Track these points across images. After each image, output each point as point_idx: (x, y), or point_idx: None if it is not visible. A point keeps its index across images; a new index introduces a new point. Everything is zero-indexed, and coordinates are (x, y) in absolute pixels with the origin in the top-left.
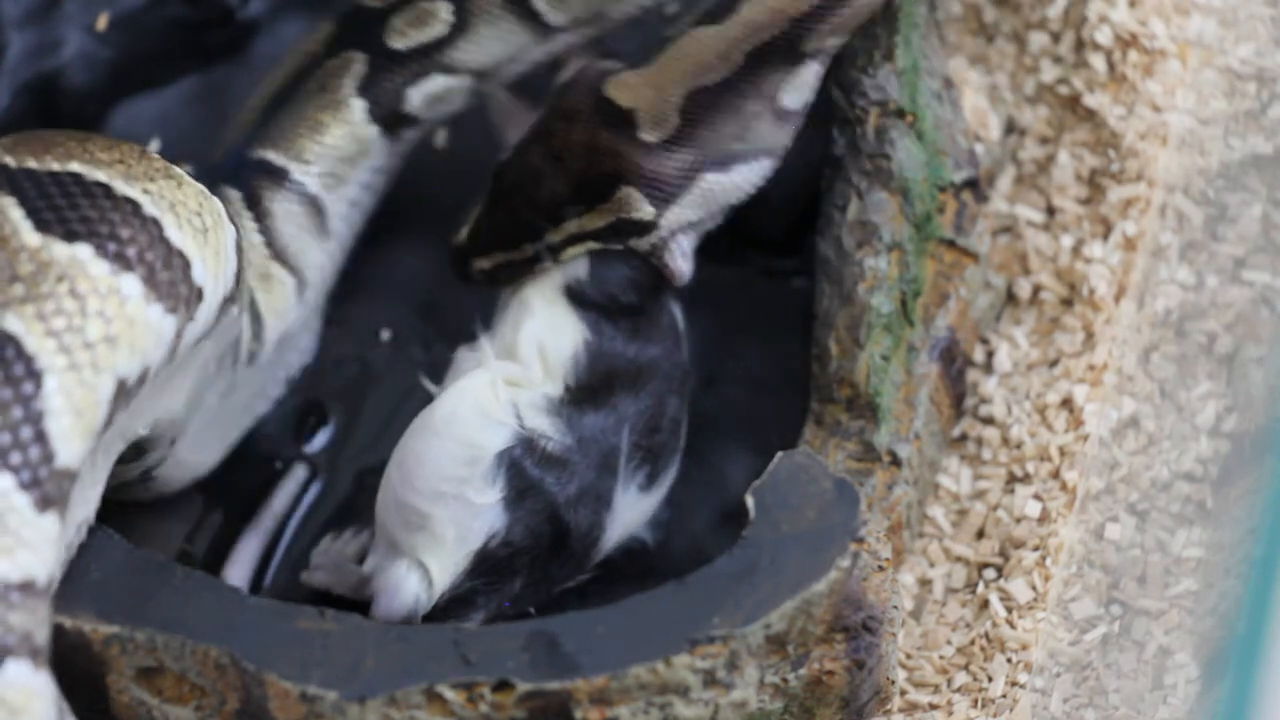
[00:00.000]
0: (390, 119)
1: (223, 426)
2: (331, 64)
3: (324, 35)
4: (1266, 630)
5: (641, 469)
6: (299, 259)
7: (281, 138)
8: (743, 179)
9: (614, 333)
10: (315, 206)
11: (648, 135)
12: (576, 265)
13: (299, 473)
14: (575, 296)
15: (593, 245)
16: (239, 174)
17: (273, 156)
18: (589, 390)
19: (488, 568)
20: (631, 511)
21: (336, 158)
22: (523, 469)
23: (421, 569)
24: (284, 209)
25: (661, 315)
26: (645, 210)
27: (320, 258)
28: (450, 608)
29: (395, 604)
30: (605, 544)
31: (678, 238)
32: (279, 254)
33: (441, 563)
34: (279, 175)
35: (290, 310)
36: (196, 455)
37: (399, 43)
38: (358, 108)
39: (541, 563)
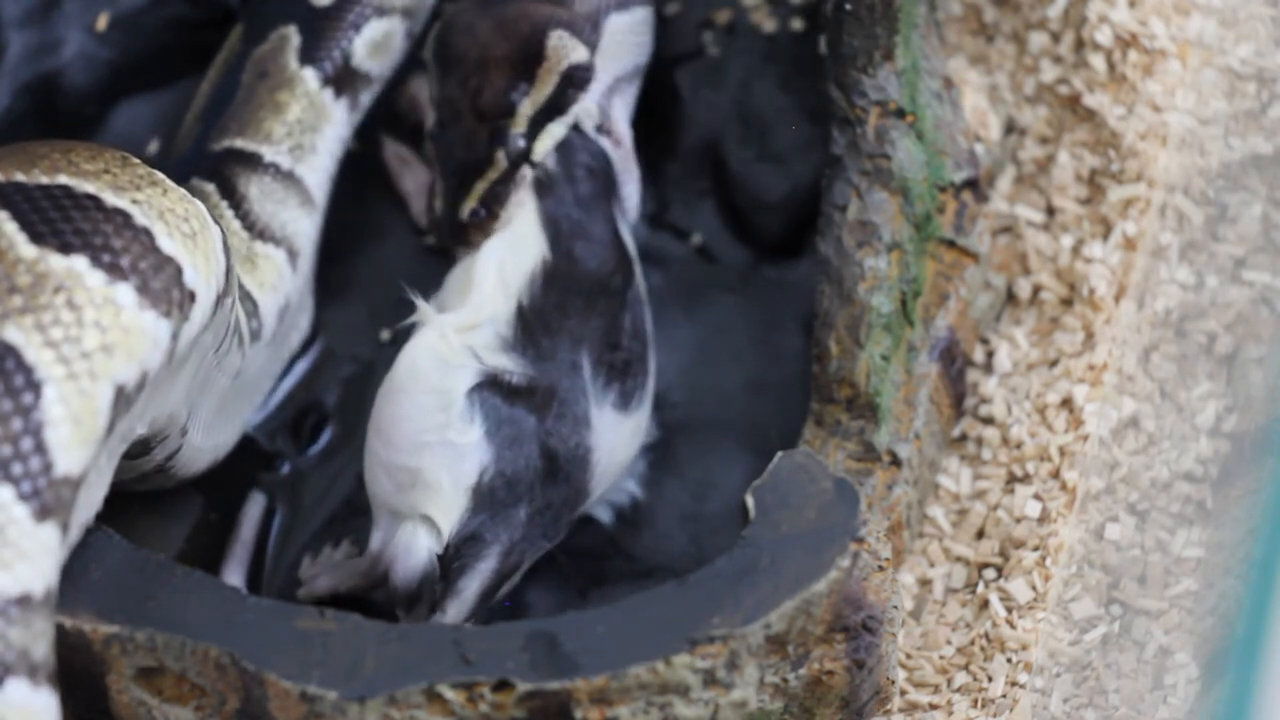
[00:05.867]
0: (342, 78)
1: (236, 406)
2: (261, 50)
3: (236, 35)
4: (1266, 630)
5: (611, 386)
6: (286, 230)
7: (243, 126)
8: (639, 19)
9: (570, 234)
10: (292, 179)
11: None
12: (546, 161)
13: (259, 499)
14: (543, 184)
15: (556, 127)
16: (208, 168)
17: (240, 144)
18: (541, 315)
19: (488, 502)
20: (614, 432)
21: (302, 130)
22: (494, 403)
23: (427, 523)
24: (262, 189)
25: (609, 230)
26: (580, 51)
27: (308, 226)
28: (463, 548)
29: (411, 563)
30: (599, 467)
31: (613, 100)
32: (261, 233)
33: (443, 509)
34: (251, 160)
35: (285, 281)
36: (213, 439)
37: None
38: (309, 77)
39: (539, 489)
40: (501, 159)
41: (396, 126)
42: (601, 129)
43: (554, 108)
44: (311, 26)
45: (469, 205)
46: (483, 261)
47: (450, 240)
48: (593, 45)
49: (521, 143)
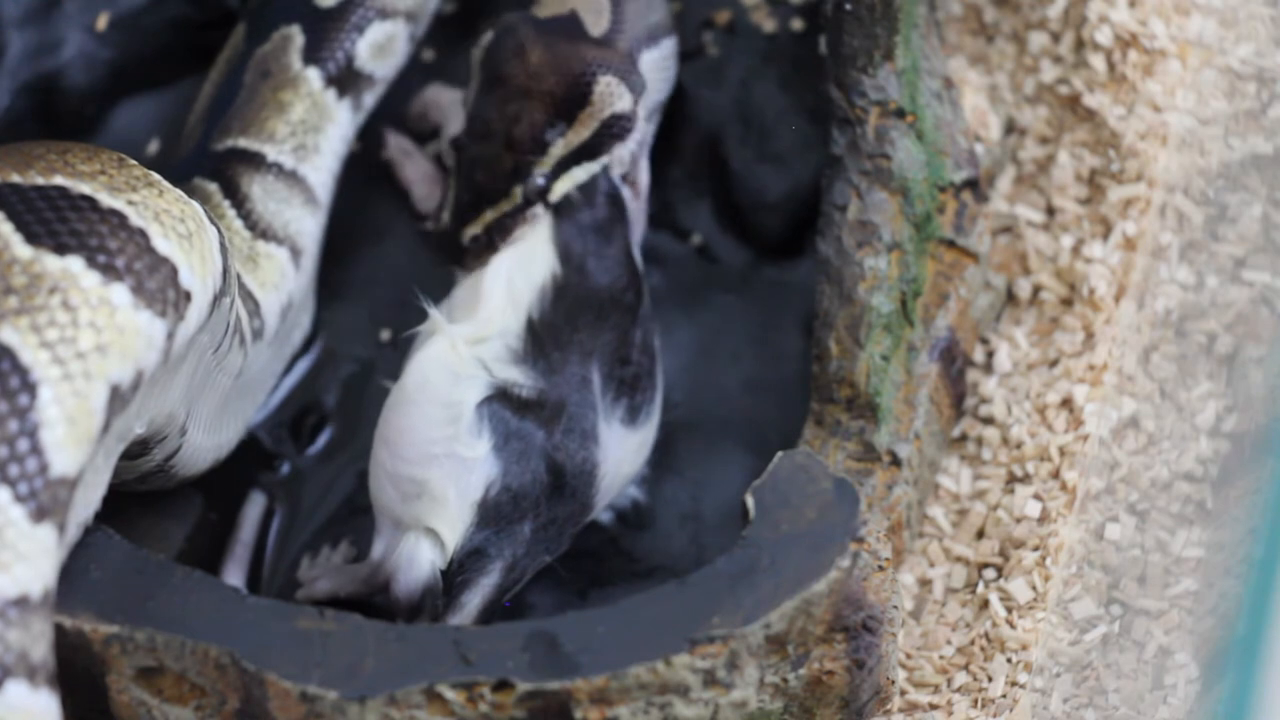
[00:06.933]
0: (345, 79)
1: (239, 405)
2: (264, 50)
3: (238, 35)
4: (1266, 630)
5: (620, 401)
6: (289, 229)
7: (246, 126)
8: (667, 53)
9: (583, 250)
10: (296, 178)
11: (595, 30)
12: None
13: (259, 499)
14: (563, 207)
15: (580, 171)
16: (210, 167)
17: (244, 144)
18: (552, 329)
19: (493, 516)
20: (621, 447)
21: (306, 130)
22: (503, 417)
23: (431, 535)
24: (264, 189)
25: (622, 247)
26: (625, 101)
27: (311, 225)
28: (467, 562)
29: (414, 575)
30: (604, 481)
31: (644, 146)
32: (264, 232)
33: (448, 522)
34: (254, 159)
35: (287, 281)
36: (215, 438)
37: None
38: (313, 77)
39: (545, 504)
40: (518, 194)
41: (400, 124)
42: (626, 178)
43: (586, 152)
44: (315, 27)
45: (472, 231)
46: (491, 276)
47: (448, 259)
48: (639, 91)
49: (541, 182)
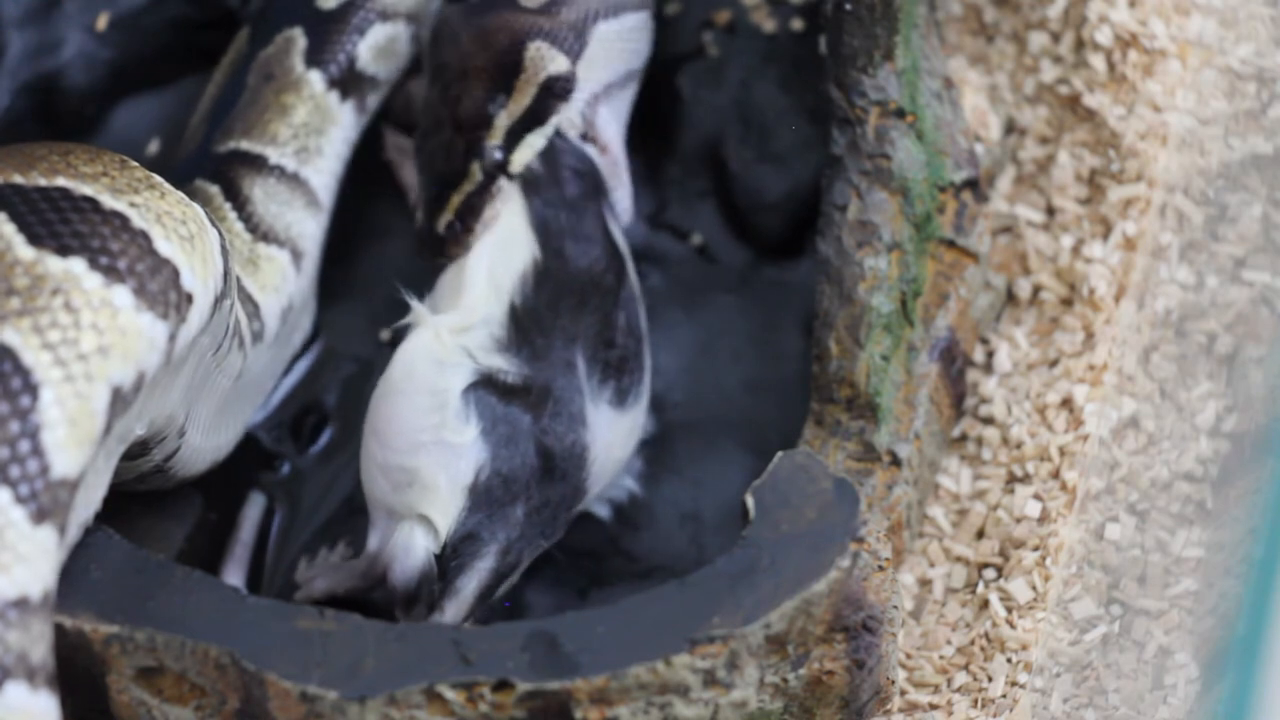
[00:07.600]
0: (348, 81)
1: (237, 408)
2: (266, 53)
3: (242, 38)
4: (1266, 630)
5: (606, 384)
6: (290, 232)
7: (248, 128)
8: (633, 25)
9: (560, 233)
10: (298, 181)
11: (531, 2)
12: (531, 164)
13: (258, 499)
14: (530, 184)
15: (535, 138)
16: (212, 169)
17: (246, 146)
18: (534, 314)
19: (485, 501)
20: (611, 430)
21: (308, 132)
22: (489, 402)
23: (424, 522)
24: (266, 191)
25: (599, 228)
26: (559, 61)
27: (313, 228)
28: (461, 547)
29: (409, 563)
30: (596, 465)
31: (600, 108)
32: (265, 235)
33: (441, 509)
34: (256, 162)
35: (287, 283)
36: (213, 440)
37: (329, 2)
38: (315, 79)
39: (536, 487)
40: (476, 171)
41: (398, 119)
42: (586, 137)
43: (533, 119)
44: (317, 29)
45: (444, 219)
46: (473, 264)
47: (429, 253)
48: (575, 55)
49: (498, 155)
